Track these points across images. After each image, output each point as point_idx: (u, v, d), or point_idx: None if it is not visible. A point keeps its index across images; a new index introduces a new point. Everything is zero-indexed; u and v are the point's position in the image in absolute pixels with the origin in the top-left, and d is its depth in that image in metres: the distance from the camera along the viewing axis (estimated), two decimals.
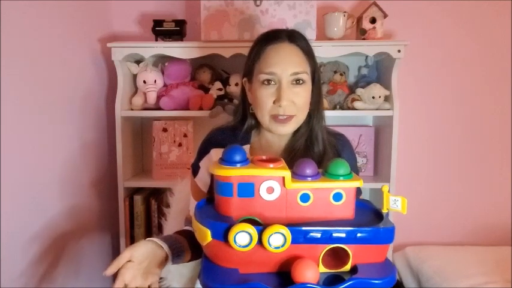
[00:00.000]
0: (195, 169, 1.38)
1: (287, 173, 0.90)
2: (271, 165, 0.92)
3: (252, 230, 0.86)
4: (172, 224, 1.63)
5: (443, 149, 2.36)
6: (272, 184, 0.90)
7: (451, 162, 2.37)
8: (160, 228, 1.91)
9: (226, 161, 0.93)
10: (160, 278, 1.57)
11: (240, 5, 1.97)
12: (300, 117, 1.26)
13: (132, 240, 2.14)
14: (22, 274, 1.53)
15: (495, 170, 2.36)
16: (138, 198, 2.12)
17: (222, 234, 0.87)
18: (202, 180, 1.36)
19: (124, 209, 2.09)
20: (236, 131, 1.36)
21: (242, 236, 0.86)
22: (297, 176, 0.93)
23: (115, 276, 2.30)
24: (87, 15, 2.03)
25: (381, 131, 2.19)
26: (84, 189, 1.98)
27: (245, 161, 0.93)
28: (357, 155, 1.89)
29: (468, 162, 2.36)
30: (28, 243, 1.57)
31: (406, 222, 2.32)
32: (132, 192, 2.17)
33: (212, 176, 1.16)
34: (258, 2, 1.97)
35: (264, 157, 0.98)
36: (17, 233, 1.50)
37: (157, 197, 2.18)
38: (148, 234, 2.18)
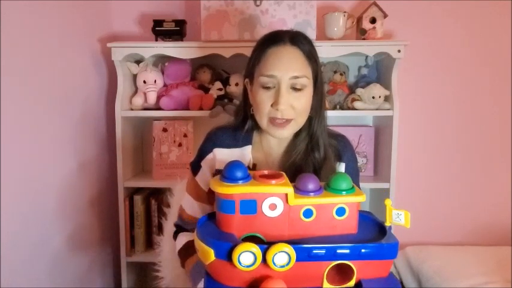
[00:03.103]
0: (195, 168, 1.38)
1: (290, 190, 0.89)
2: (274, 182, 0.91)
3: (256, 249, 0.85)
4: (172, 224, 1.64)
5: (443, 149, 2.36)
6: (275, 201, 0.90)
7: (451, 162, 2.37)
8: (160, 228, 1.91)
9: (227, 177, 0.92)
10: (161, 278, 1.58)
11: (240, 5, 1.97)
12: (298, 121, 1.25)
13: (132, 240, 2.14)
14: (19, 268, 1.54)
15: (495, 170, 2.36)
16: (138, 198, 2.13)
17: (226, 254, 0.86)
18: (204, 179, 1.35)
19: (124, 209, 2.09)
20: (237, 132, 1.35)
21: (246, 256, 0.85)
22: (299, 191, 0.92)
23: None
24: (87, 15, 2.03)
25: (381, 131, 2.19)
26: (84, 189, 1.99)
27: (247, 178, 0.93)
28: (357, 155, 1.89)
29: (468, 162, 2.36)
30: (28, 242, 1.57)
31: None
32: (132, 192, 2.17)
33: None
34: (258, 2, 1.97)
35: (266, 172, 0.98)
36: (16, 235, 1.51)
37: (157, 197, 2.18)
38: (148, 234, 2.19)
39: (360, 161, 2.20)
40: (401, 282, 2.25)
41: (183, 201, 1.42)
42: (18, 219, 1.50)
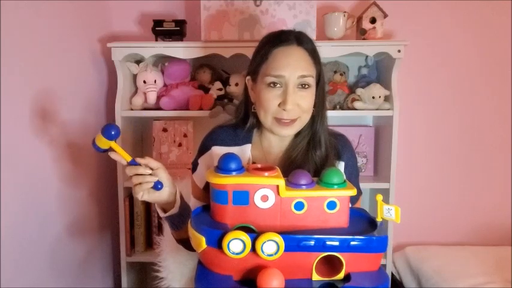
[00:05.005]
0: (194, 166, 1.39)
1: (281, 182, 0.91)
2: (266, 174, 0.92)
3: (246, 237, 0.87)
4: None
5: (443, 149, 2.36)
6: (266, 192, 0.91)
7: (451, 162, 2.37)
8: (160, 228, 1.92)
9: (221, 169, 0.94)
10: (160, 278, 1.58)
11: (240, 5, 1.97)
12: (303, 119, 1.27)
13: (132, 240, 2.14)
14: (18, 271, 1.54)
15: (495, 170, 2.36)
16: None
17: (216, 242, 0.88)
18: (200, 176, 1.37)
19: (124, 209, 2.09)
20: (237, 130, 1.36)
21: (236, 244, 0.87)
22: (292, 184, 0.93)
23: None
24: (87, 15, 2.03)
25: (381, 131, 2.19)
26: (84, 189, 1.99)
27: (240, 169, 0.94)
28: (357, 155, 1.88)
29: (468, 162, 2.36)
30: (27, 242, 1.57)
31: (406, 222, 2.32)
32: (132, 192, 2.16)
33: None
34: (258, 2, 1.97)
35: (259, 165, 0.99)
36: (16, 234, 1.51)
37: None
38: (148, 234, 2.19)
39: (360, 161, 2.20)
40: (401, 282, 2.25)
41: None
42: (17, 216, 1.50)
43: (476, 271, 2.01)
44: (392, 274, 2.22)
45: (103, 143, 1.04)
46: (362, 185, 1.45)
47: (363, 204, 1.47)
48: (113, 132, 1.03)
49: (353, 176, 1.35)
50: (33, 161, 1.60)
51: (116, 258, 2.26)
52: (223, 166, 0.94)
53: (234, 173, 0.93)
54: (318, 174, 1.04)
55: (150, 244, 2.20)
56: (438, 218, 2.41)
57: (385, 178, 2.08)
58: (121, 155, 1.07)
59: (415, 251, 2.28)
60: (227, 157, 0.95)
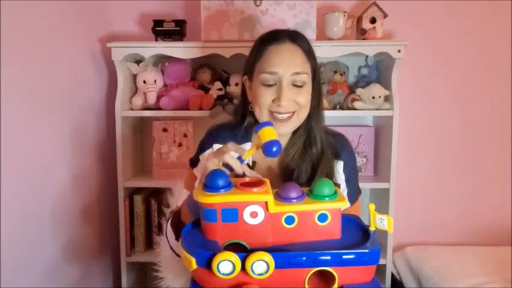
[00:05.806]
0: (194, 161, 1.38)
1: (270, 197, 0.89)
2: (255, 189, 0.91)
3: (235, 258, 0.85)
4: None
5: (443, 149, 2.35)
6: (255, 209, 0.90)
7: (451, 162, 2.36)
8: (160, 228, 1.91)
9: (209, 187, 0.92)
10: (160, 278, 1.57)
11: (240, 5, 1.97)
12: (301, 115, 1.26)
13: (132, 240, 2.14)
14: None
15: (495, 170, 2.36)
16: (138, 198, 2.13)
17: (206, 262, 0.87)
18: (200, 172, 1.36)
19: (124, 209, 2.09)
20: (236, 129, 1.36)
21: (225, 265, 0.86)
22: (281, 198, 0.92)
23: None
24: (87, 15, 2.03)
25: (381, 131, 2.19)
26: (84, 189, 1.99)
27: (228, 186, 0.93)
28: (356, 155, 1.88)
29: (468, 162, 2.36)
30: (27, 242, 1.57)
31: (406, 222, 2.33)
32: (132, 192, 2.17)
33: None
34: (258, 2, 1.97)
35: (247, 180, 0.99)
36: (16, 234, 1.51)
37: (157, 197, 2.18)
38: (148, 234, 2.19)
39: (360, 161, 2.20)
40: (401, 282, 2.25)
41: (182, 199, 1.43)
42: (17, 220, 1.51)
43: (476, 271, 2.01)
44: (392, 274, 2.22)
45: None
46: (362, 185, 1.44)
47: (363, 204, 1.47)
48: (274, 149, 1.03)
49: (352, 175, 1.35)
50: (33, 161, 1.60)
51: (116, 258, 2.25)
52: (211, 184, 0.92)
53: (222, 191, 0.91)
54: (315, 171, 1.02)
55: (150, 244, 2.20)
56: (438, 218, 2.40)
57: (385, 178, 2.08)
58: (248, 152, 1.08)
59: (415, 251, 2.28)
60: (214, 174, 0.94)
